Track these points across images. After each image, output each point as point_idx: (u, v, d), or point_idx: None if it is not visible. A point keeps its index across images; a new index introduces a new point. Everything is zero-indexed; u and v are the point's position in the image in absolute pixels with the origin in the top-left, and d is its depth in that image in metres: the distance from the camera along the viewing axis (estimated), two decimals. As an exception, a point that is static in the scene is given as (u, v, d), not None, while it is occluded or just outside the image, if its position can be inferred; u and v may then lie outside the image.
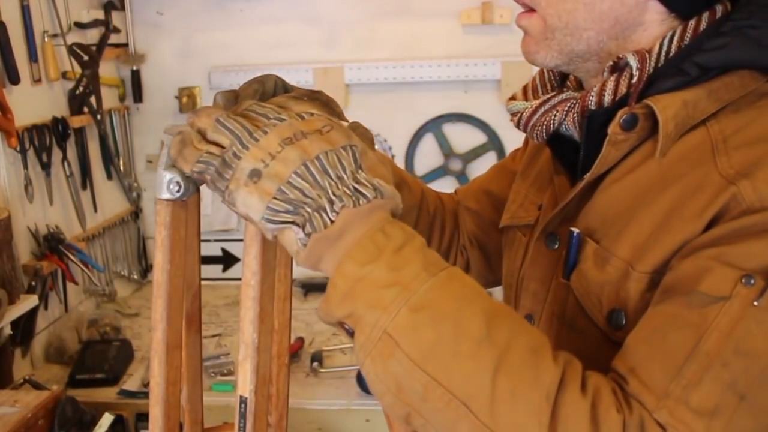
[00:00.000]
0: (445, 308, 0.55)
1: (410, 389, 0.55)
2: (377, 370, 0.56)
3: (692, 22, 0.69)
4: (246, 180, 0.56)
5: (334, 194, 0.56)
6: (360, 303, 0.55)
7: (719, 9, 0.69)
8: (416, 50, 2.45)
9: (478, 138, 2.50)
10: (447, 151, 2.52)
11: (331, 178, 0.56)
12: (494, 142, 2.48)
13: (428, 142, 2.54)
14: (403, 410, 0.57)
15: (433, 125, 2.52)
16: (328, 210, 0.55)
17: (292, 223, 0.56)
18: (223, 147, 0.57)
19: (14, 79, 1.84)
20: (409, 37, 2.46)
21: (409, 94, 2.50)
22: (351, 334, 0.57)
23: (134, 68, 2.50)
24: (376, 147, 0.69)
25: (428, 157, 2.54)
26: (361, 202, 0.56)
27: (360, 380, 1.79)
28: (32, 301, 1.79)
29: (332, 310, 0.57)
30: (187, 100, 2.51)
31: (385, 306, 0.54)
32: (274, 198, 0.55)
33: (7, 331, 1.71)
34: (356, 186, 0.56)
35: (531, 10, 0.73)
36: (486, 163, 2.21)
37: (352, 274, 0.55)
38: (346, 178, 0.57)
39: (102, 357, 1.91)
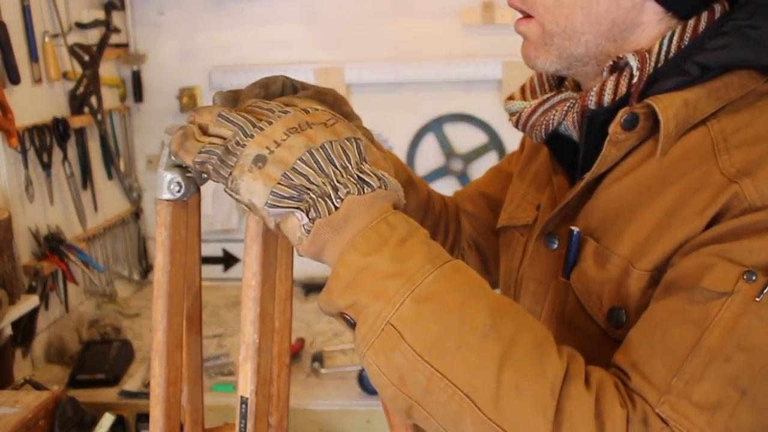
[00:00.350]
0: (449, 300, 0.55)
1: (413, 381, 0.55)
2: (379, 362, 0.56)
3: (691, 22, 0.69)
4: (250, 166, 0.56)
5: (338, 181, 0.56)
6: (363, 293, 0.55)
7: (718, 9, 0.69)
8: (417, 50, 2.45)
9: (479, 138, 2.50)
10: (448, 152, 2.52)
11: (336, 167, 0.56)
12: (495, 143, 2.48)
13: (429, 142, 2.54)
14: (405, 403, 0.57)
15: (434, 125, 2.52)
16: (333, 196, 0.55)
17: (296, 209, 0.56)
18: (225, 139, 0.58)
19: (15, 79, 1.84)
20: (409, 37, 2.46)
21: (409, 94, 2.50)
22: (352, 325, 0.57)
23: (134, 68, 2.50)
24: (377, 148, 0.69)
25: (429, 157, 2.54)
26: (365, 190, 0.56)
27: (361, 381, 1.78)
28: (33, 301, 1.79)
29: (334, 300, 0.57)
30: (187, 100, 2.51)
31: (389, 297, 0.54)
32: (279, 183, 0.55)
33: (8, 331, 1.71)
34: (360, 175, 0.57)
35: (528, 15, 0.73)
36: (487, 164, 2.21)
37: (356, 263, 0.55)
38: (350, 167, 0.57)
39: (102, 357, 1.91)
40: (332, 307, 0.57)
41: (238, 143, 0.56)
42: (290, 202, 0.55)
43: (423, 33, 2.45)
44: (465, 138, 2.51)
